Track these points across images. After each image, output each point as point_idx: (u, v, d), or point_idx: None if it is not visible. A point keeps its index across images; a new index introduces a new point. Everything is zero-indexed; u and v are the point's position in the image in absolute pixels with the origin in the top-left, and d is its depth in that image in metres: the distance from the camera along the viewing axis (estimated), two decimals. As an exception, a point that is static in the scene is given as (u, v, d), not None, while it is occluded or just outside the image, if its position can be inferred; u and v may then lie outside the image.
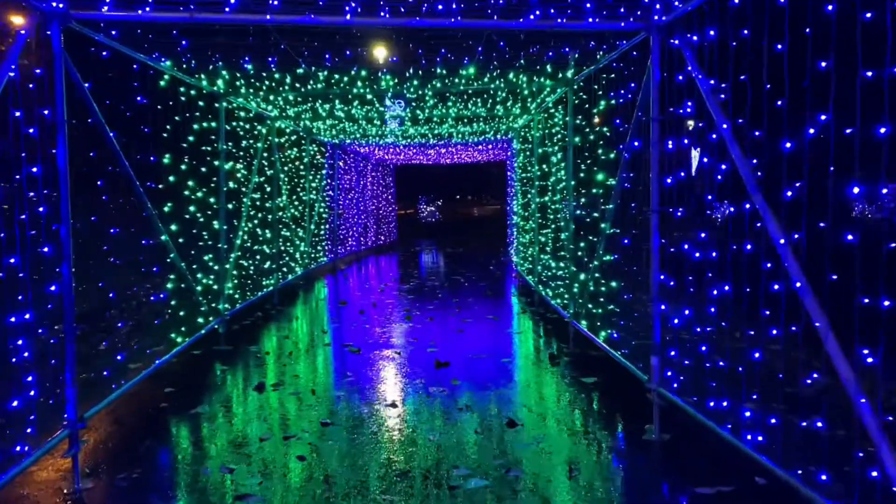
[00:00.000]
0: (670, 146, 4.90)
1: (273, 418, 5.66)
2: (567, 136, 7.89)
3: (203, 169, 7.88)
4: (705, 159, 4.40)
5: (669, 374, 5.07)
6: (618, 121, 6.18)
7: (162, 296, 6.90)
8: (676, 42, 4.78)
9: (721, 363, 4.46)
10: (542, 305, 10.50)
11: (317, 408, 5.89)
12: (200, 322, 7.77)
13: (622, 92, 6.05)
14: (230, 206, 8.89)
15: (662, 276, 5.06)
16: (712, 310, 4.41)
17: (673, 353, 5.01)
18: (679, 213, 4.81)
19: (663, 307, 5.11)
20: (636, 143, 5.68)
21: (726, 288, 4.14)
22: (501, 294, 12.93)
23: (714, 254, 4.28)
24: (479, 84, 8.00)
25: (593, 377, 6.60)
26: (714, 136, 4.24)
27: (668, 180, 4.87)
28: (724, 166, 4.14)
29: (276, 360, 7.66)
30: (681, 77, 4.79)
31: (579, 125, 7.68)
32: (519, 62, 6.69)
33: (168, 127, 6.66)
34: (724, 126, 4.09)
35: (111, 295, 5.86)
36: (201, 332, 7.59)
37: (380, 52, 6.41)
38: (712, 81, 4.36)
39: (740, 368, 4.10)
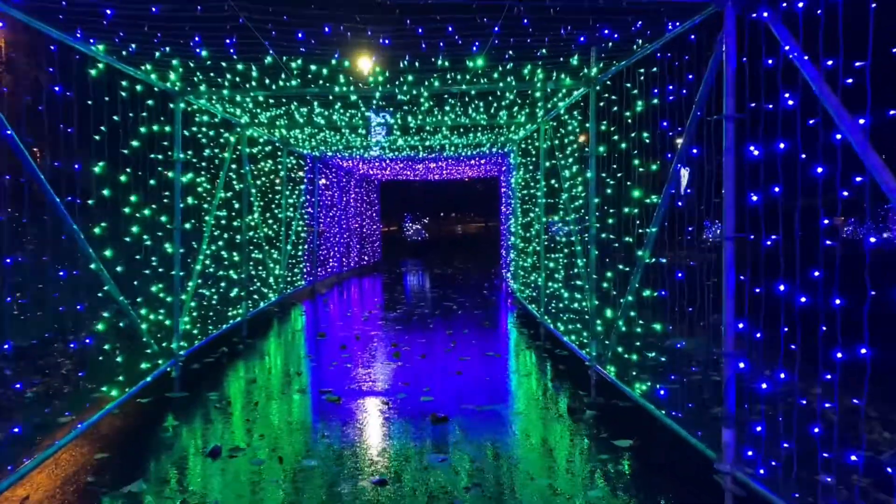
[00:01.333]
0: (755, 153, 3.68)
1: (227, 501, 4.34)
2: (589, 144, 6.65)
3: (152, 182, 6.53)
4: (819, 169, 3.18)
5: (751, 454, 3.82)
6: (665, 123, 4.97)
7: (87, 340, 5.52)
8: (766, 15, 3.60)
9: (854, 457, 3.21)
10: (550, 340, 9.24)
11: (283, 485, 4.59)
12: (146, 367, 6.42)
13: (671, 87, 4.85)
14: (188, 225, 7.53)
15: (742, 325, 3.83)
16: (828, 377, 3.18)
17: (759, 428, 3.76)
18: (769, 242, 3.59)
19: (742, 365, 3.88)
20: (694, 151, 4.47)
21: (863, 351, 2.91)
22: (500, 325, 11.66)
23: (839, 301, 3.05)
24: (484, 82, 6.75)
25: (628, 439, 5.34)
26: (839, 136, 3.03)
27: (754, 197, 3.65)
28: (859, 178, 2.93)
29: (240, 412, 6.33)
30: (770, 61, 3.60)
31: (605, 132, 6.44)
32: (540, 50, 5.46)
33: (103, 129, 5.33)
34: (862, 121, 2.89)
35: (6, 346, 4.48)
36: (147, 378, 6.23)
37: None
38: (829, 63, 3.17)
39: (891, 469, 2.85)
